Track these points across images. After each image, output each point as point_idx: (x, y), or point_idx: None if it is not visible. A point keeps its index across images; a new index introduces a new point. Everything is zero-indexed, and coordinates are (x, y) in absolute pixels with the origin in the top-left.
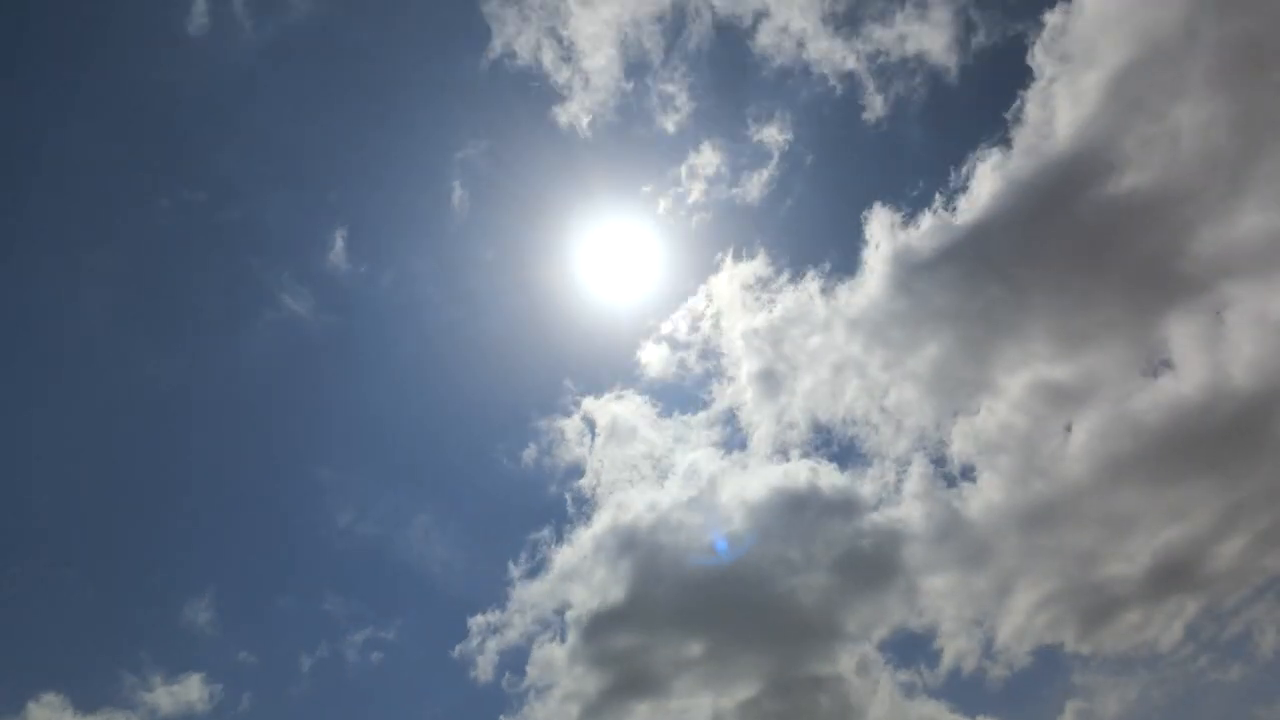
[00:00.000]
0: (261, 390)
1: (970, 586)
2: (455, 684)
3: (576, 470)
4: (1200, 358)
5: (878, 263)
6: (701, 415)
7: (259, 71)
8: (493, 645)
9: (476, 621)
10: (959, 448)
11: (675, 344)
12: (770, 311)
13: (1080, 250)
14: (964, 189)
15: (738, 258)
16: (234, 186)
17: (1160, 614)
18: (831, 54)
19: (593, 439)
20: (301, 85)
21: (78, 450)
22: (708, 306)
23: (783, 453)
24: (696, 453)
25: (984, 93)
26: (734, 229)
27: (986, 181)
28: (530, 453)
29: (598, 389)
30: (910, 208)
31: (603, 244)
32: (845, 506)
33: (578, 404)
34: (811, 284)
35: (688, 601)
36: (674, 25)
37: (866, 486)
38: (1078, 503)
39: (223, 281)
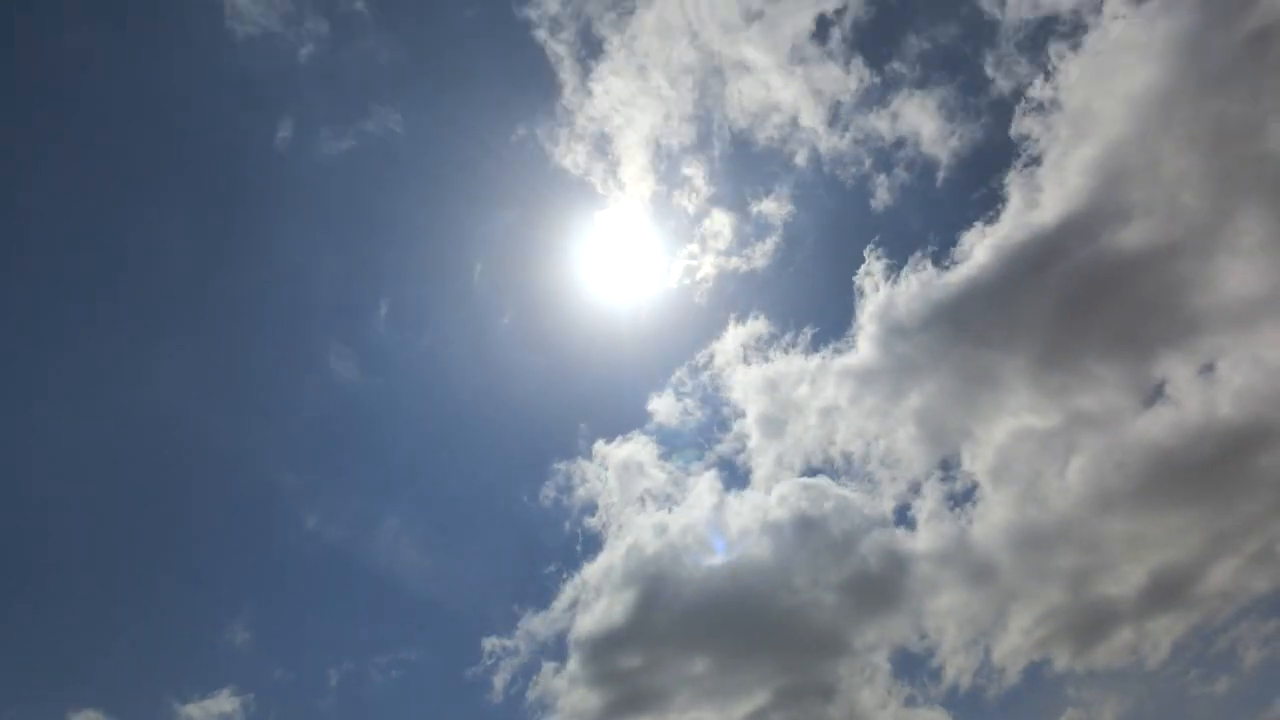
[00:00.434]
0: (310, 437)
1: (971, 606)
2: (468, 701)
3: (590, 507)
4: (1189, 397)
5: (868, 323)
6: (707, 456)
7: (337, 171)
8: (504, 666)
9: (490, 644)
10: (960, 480)
11: (682, 394)
12: (770, 365)
13: (1072, 306)
14: (954, 259)
15: (740, 320)
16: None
17: (1151, 631)
18: (831, 140)
19: (605, 478)
20: (366, 182)
21: (135, 484)
22: (713, 361)
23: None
24: (701, 485)
25: (971, 171)
26: (738, 294)
27: (978, 250)
28: (548, 491)
29: (611, 434)
30: (900, 272)
31: (620, 307)
32: (845, 524)
33: (591, 447)
34: (807, 345)
35: (691, 621)
36: (700, 123)
37: (867, 508)
38: (1073, 529)
39: (281, 342)
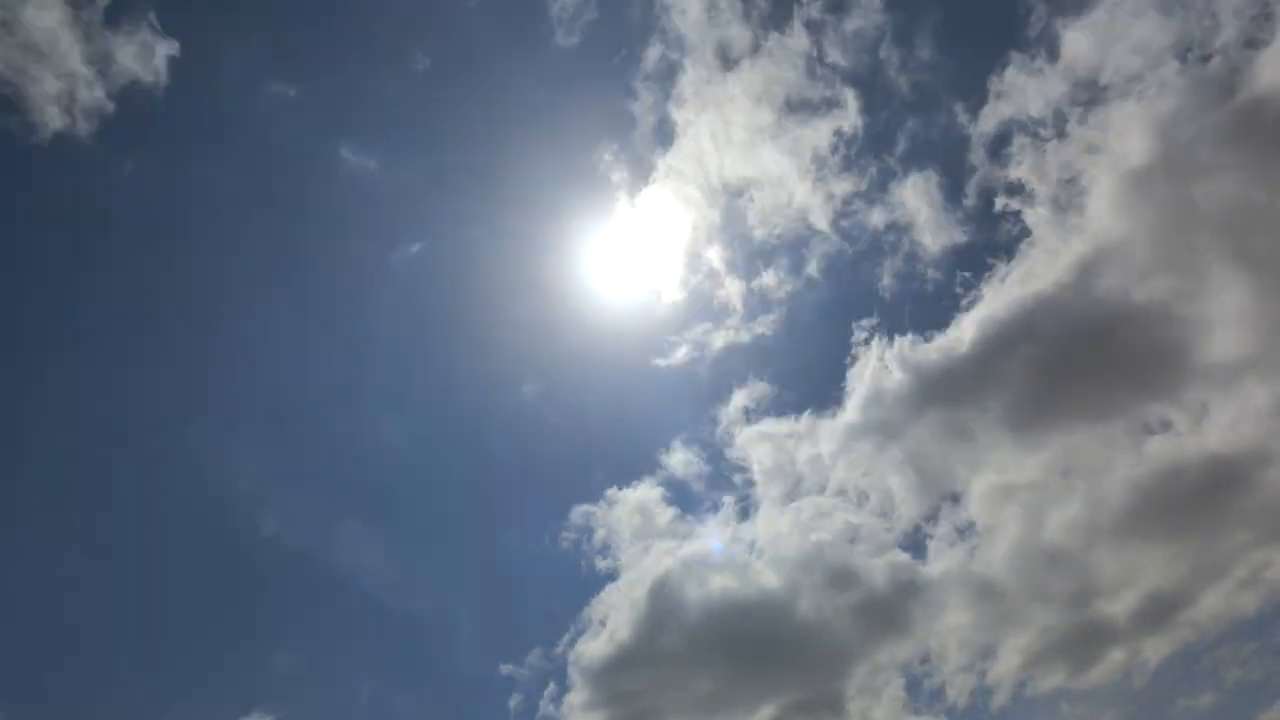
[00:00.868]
0: (354, 488)
1: (970, 628)
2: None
3: (605, 549)
4: (1181, 433)
5: (863, 386)
6: (716, 498)
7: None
8: (517, 693)
9: (504, 669)
10: (962, 518)
11: (691, 447)
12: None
13: (1058, 364)
14: (949, 328)
15: (743, 386)
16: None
17: (1141, 651)
18: (831, 220)
19: (618, 523)
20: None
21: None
22: (721, 422)
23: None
24: (708, 525)
25: (962, 251)
26: (744, 363)
27: (969, 327)
28: (567, 536)
29: (624, 481)
30: (898, 340)
31: (635, 378)
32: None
33: (607, 495)
34: (809, 410)
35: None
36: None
37: (870, 538)
38: (1070, 556)
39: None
